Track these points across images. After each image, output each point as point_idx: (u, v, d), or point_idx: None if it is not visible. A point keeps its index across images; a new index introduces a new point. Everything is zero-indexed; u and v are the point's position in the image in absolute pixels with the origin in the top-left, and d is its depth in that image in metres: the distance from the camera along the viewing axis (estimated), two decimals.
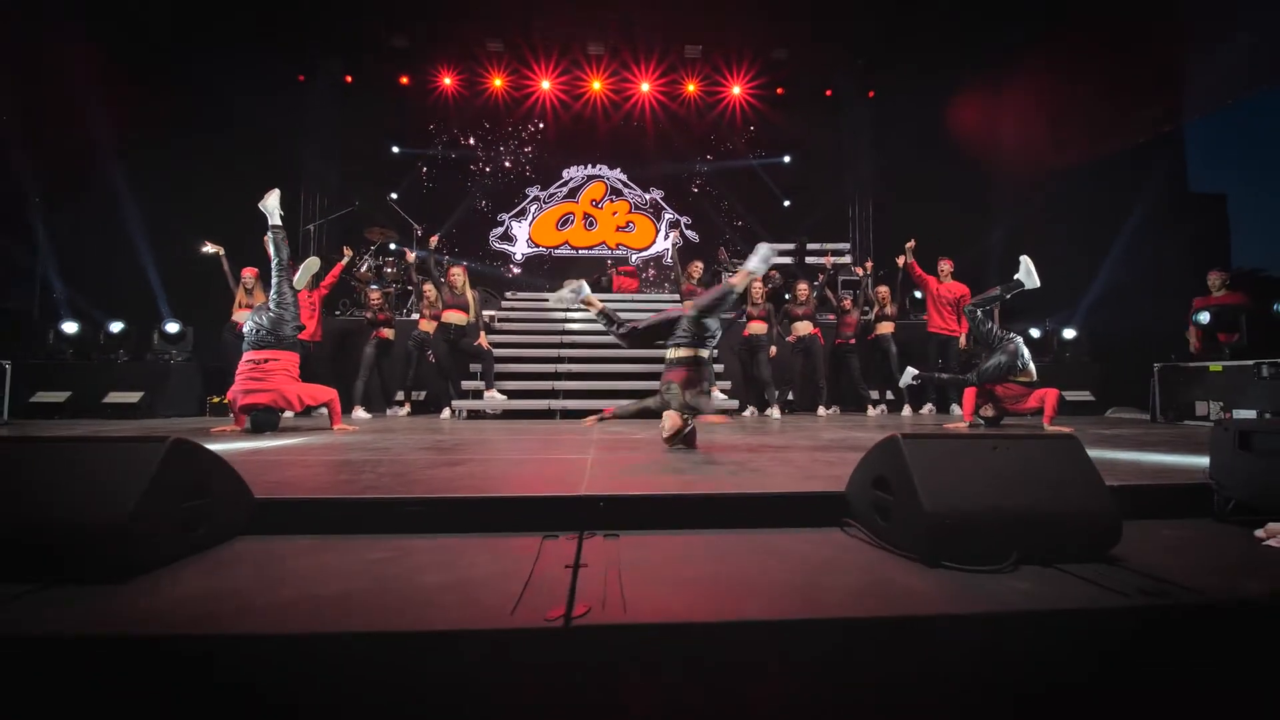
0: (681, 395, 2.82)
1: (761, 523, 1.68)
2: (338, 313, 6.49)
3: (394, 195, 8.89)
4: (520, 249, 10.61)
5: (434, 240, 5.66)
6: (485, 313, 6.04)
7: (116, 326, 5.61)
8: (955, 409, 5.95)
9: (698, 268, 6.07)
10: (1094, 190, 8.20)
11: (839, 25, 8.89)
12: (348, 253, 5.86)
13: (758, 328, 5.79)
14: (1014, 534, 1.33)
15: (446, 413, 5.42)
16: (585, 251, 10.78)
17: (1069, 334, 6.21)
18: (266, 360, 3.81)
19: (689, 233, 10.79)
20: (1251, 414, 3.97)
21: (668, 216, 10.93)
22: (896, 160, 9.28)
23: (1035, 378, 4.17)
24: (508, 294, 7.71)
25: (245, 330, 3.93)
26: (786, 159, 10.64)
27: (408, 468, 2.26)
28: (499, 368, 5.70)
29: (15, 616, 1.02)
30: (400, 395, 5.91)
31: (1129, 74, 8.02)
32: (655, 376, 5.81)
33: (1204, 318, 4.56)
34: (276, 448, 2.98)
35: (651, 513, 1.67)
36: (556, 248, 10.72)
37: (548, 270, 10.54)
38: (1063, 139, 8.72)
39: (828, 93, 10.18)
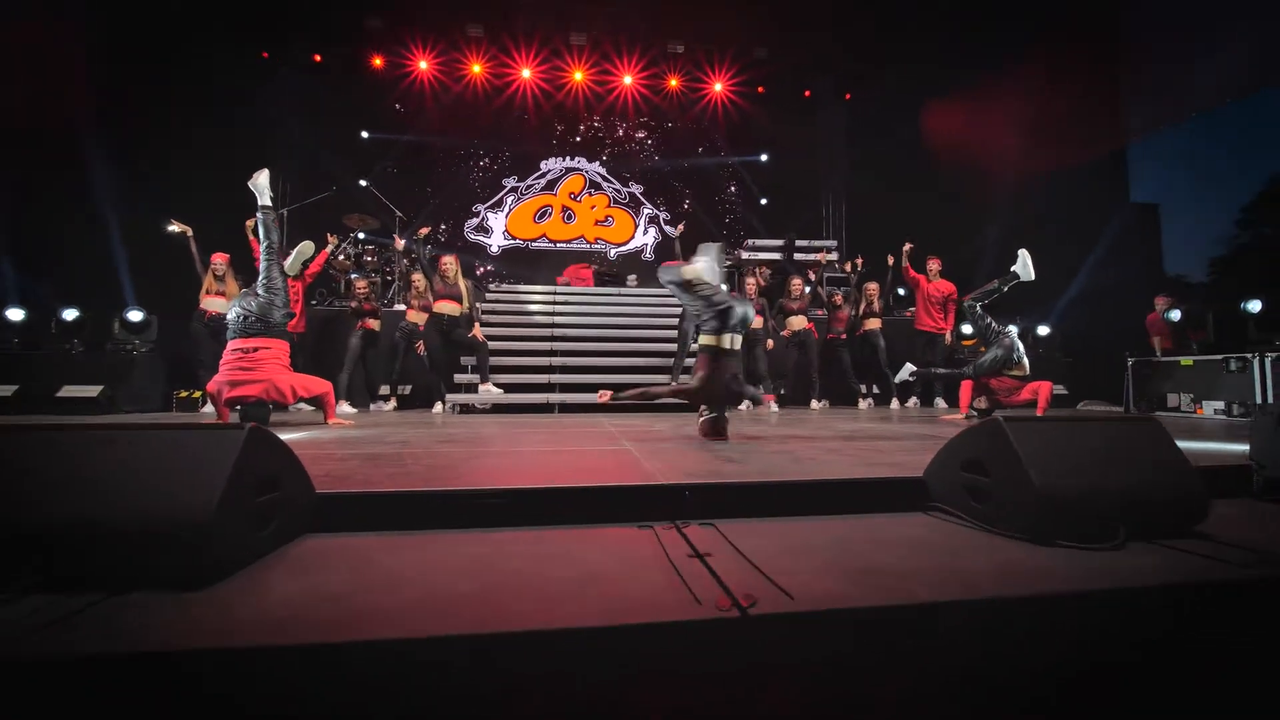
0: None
1: (845, 509, 1.66)
2: (314, 302, 6.16)
3: (364, 182, 8.52)
4: (497, 241, 10.36)
5: (424, 230, 5.42)
6: None
7: (71, 314, 5.14)
8: (940, 402, 6.16)
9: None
10: (1061, 196, 8.68)
11: (818, 29, 9.07)
12: (332, 240, 5.55)
13: (754, 322, 5.82)
14: (1118, 511, 1.36)
15: (439, 407, 5.22)
16: (563, 245, 10.62)
17: (1043, 331, 6.51)
18: (257, 349, 3.56)
19: (668, 228, 10.78)
20: (1220, 405, 4.25)
21: (646, 211, 10.88)
22: (872, 162, 9.54)
23: (1028, 371, 4.34)
24: (490, 285, 7.51)
25: (230, 318, 3.66)
26: (764, 158, 10.76)
27: (448, 460, 2.15)
28: (490, 362, 5.53)
29: (102, 629, 0.89)
30: (385, 389, 5.66)
31: (1087, 94, 8.68)
32: (643, 369, 5.78)
33: (1175, 315, 4.88)
34: (288, 441, 2.79)
35: (738, 501, 1.62)
36: (534, 240, 10.52)
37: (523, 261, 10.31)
38: (1030, 149, 9.23)
39: (806, 94, 10.35)
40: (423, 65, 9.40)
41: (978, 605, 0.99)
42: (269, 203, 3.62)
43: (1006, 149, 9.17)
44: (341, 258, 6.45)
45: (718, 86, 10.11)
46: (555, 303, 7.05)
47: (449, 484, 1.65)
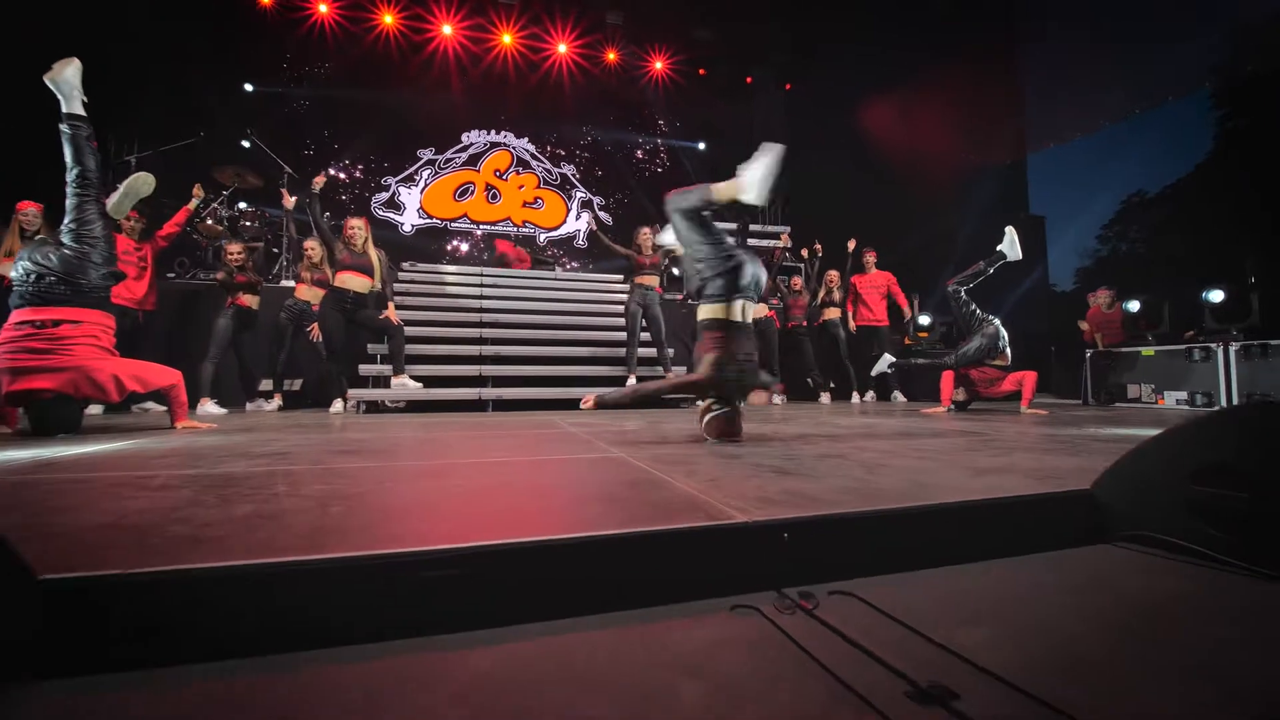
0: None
1: (1003, 547, 1.08)
2: (171, 274, 4.85)
3: (245, 144, 7.09)
4: (410, 219, 9.15)
5: (319, 180, 4.25)
6: None
7: None
8: (897, 396, 5.94)
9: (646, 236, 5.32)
10: (977, 199, 9.05)
11: (760, 17, 8.81)
12: (198, 193, 4.31)
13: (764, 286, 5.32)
14: None
15: (338, 405, 4.19)
16: (487, 227, 9.61)
17: None
18: (58, 323, 2.47)
19: (602, 214, 10.09)
20: (1183, 395, 4.25)
21: (579, 195, 10.11)
22: (810, 153, 9.40)
23: (1010, 361, 4.10)
24: (405, 263, 6.42)
25: (14, 277, 2.54)
26: (701, 146, 10.36)
27: (354, 485, 1.34)
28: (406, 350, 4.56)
29: None
30: (267, 384, 4.52)
31: (995, 107, 9.23)
32: (592, 360, 5.07)
33: (1134, 305, 4.91)
34: (76, 459, 1.82)
35: (868, 544, 0.99)
36: (454, 220, 9.41)
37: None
38: (950, 153, 9.58)
39: (748, 80, 10.05)
40: (323, 9, 8.06)
41: None
42: (81, 110, 2.53)
43: (932, 150, 9.43)
44: (210, 221, 5.16)
45: (658, 65, 9.55)
46: (483, 285, 6.13)
47: (360, 542, 0.88)
